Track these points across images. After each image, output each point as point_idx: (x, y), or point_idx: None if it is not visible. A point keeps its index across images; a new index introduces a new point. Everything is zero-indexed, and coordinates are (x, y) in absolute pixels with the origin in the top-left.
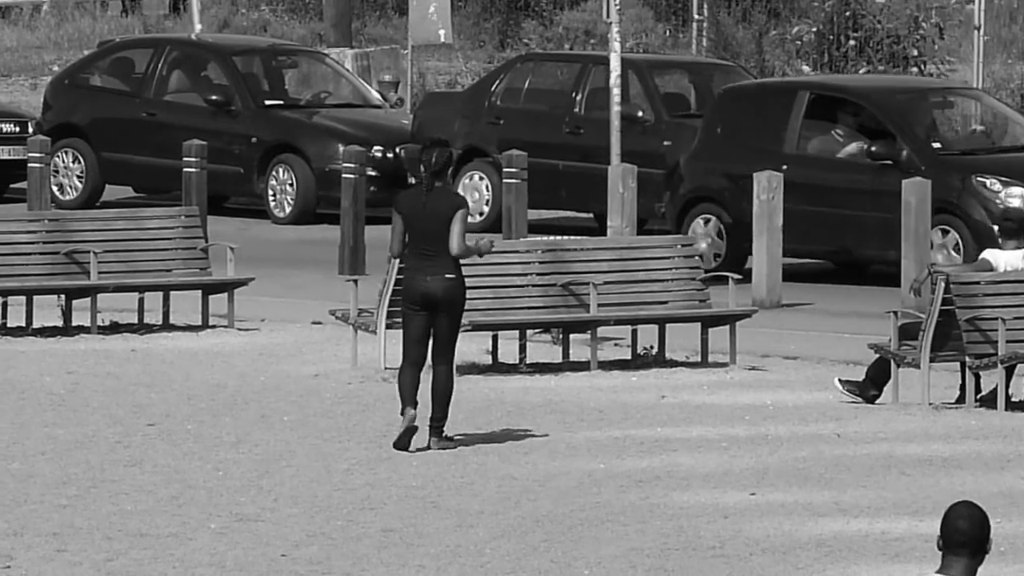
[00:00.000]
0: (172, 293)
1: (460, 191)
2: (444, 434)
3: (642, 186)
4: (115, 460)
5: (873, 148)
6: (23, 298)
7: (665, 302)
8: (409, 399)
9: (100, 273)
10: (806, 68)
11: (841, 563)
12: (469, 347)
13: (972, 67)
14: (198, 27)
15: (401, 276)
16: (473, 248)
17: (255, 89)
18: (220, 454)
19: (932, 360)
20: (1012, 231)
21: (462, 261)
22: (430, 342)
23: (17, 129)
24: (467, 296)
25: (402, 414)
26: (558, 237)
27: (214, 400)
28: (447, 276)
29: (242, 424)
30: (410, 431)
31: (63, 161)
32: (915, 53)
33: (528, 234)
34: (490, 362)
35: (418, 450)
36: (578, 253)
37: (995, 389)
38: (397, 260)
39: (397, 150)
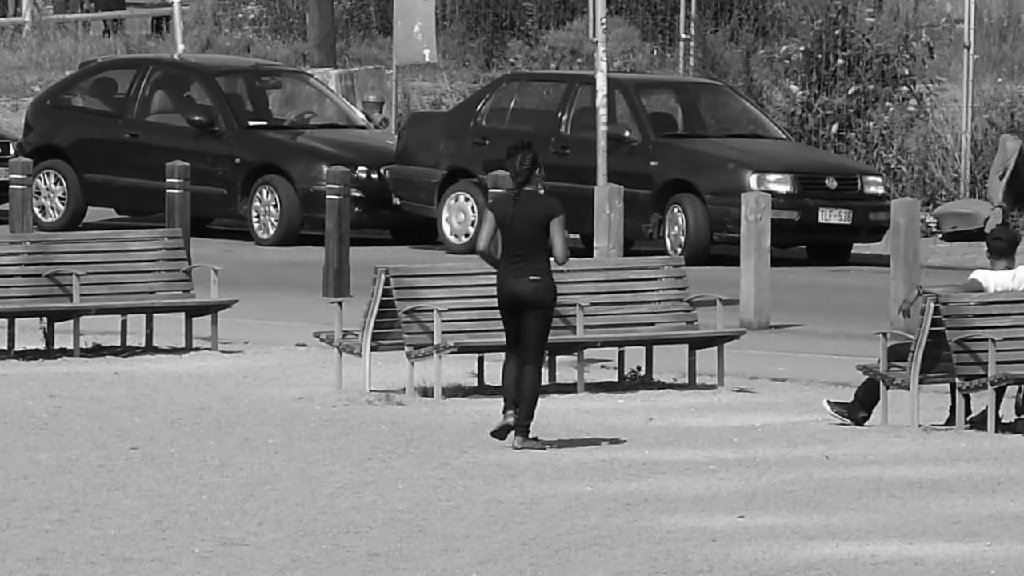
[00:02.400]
0: (155, 315)
1: (445, 212)
2: (529, 435)
3: (629, 207)
4: (98, 484)
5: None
6: (5, 321)
7: (652, 324)
8: (510, 402)
9: (83, 295)
10: (794, 87)
11: None
12: (455, 370)
13: (962, 86)
14: (181, 47)
15: (389, 298)
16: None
17: (239, 110)
18: (204, 478)
19: (921, 381)
20: (1002, 251)
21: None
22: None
23: None
24: (556, 297)
25: (503, 413)
26: None
27: (198, 423)
28: (532, 279)
29: (226, 447)
30: (507, 427)
31: (45, 183)
32: (905, 72)
33: None
34: (476, 384)
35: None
36: (564, 274)
37: (985, 411)
38: (383, 275)
39: (382, 171)
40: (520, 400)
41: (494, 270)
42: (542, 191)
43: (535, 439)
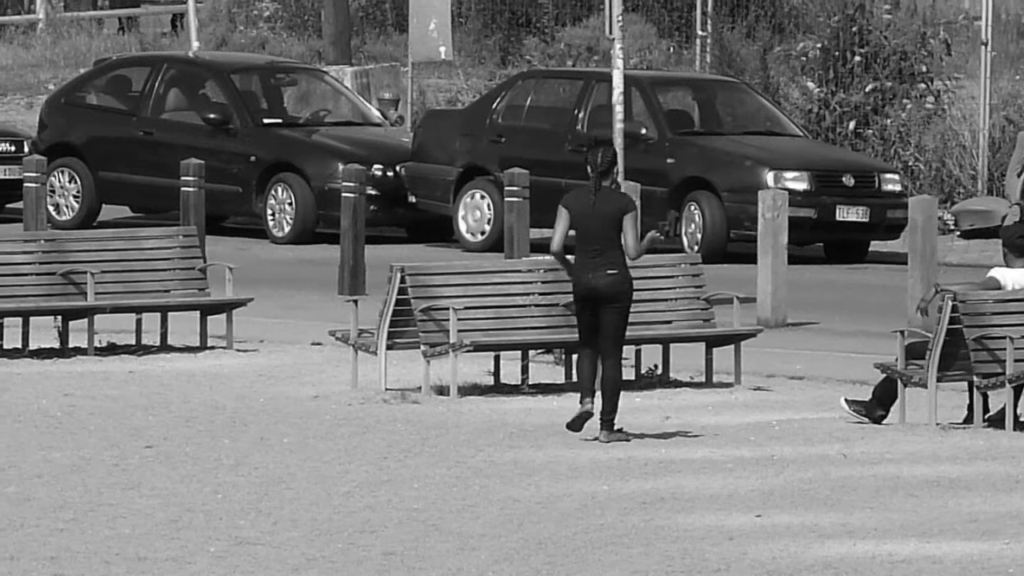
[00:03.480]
0: (170, 314)
1: (461, 210)
2: (615, 427)
3: (645, 204)
4: (112, 483)
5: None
6: (19, 319)
7: (669, 322)
8: (587, 391)
9: (97, 294)
10: (811, 84)
11: None
12: (471, 368)
13: (980, 83)
14: (196, 45)
15: (404, 296)
16: (646, 244)
17: (254, 107)
18: (219, 477)
19: (939, 380)
20: (1020, 248)
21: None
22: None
23: (12, 148)
24: (633, 290)
25: (580, 403)
26: None
27: (213, 422)
28: (609, 272)
29: (241, 446)
30: (583, 416)
31: (59, 181)
32: (922, 69)
33: (530, 253)
34: (492, 383)
35: (589, 439)
36: None
37: (1003, 409)
38: (398, 274)
39: (397, 168)
40: (603, 393)
41: (559, 268)
42: (615, 187)
43: (620, 431)
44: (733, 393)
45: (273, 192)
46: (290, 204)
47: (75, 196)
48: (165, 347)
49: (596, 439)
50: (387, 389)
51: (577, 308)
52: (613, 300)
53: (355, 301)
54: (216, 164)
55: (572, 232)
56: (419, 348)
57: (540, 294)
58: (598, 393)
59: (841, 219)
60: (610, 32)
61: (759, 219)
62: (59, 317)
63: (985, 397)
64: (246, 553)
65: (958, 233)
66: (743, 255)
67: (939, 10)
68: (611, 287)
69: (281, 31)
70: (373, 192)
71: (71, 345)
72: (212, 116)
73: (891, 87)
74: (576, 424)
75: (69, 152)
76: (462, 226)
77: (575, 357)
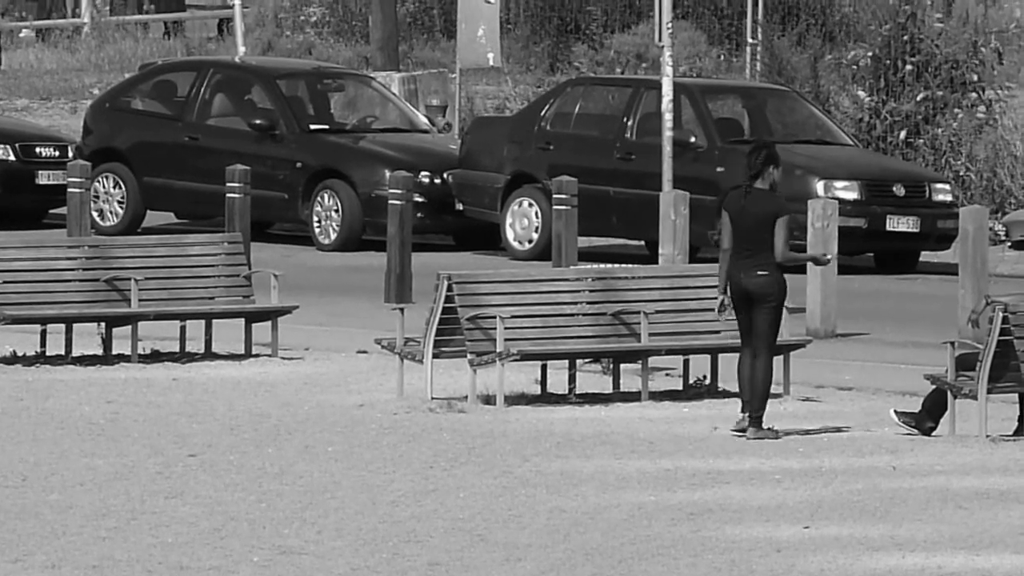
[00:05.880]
0: (215, 321)
1: (509, 217)
2: (763, 425)
3: (694, 213)
4: (155, 491)
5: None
6: (62, 326)
7: (718, 331)
8: (745, 402)
9: (141, 301)
10: (861, 93)
11: None
12: (517, 377)
13: None
14: (242, 50)
15: (451, 304)
16: (802, 256)
17: (300, 113)
18: (263, 485)
19: (990, 391)
20: None
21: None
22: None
23: (57, 153)
24: (786, 291)
25: (742, 411)
26: (609, 265)
27: (257, 430)
28: (759, 273)
29: (286, 455)
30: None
31: (104, 186)
32: (974, 78)
33: (578, 262)
34: (539, 392)
35: (738, 434)
36: (629, 281)
37: None
38: (445, 282)
39: (445, 175)
40: (752, 392)
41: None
42: (769, 189)
43: (769, 429)
44: (782, 404)
45: (319, 199)
46: (336, 211)
47: (119, 202)
48: (209, 354)
49: (744, 435)
50: (433, 398)
51: (734, 308)
52: (763, 300)
53: (401, 309)
54: (262, 170)
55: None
56: (466, 357)
57: (588, 303)
58: None
59: (891, 229)
60: (659, 39)
61: (809, 228)
62: (103, 324)
63: None
64: (290, 563)
65: (1009, 244)
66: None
67: (991, 19)
68: (761, 288)
69: (328, 36)
70: (420, 199)
71: (115, 352)
72: (258, 122)
73: (942, 96)
74: (739, 431)
75: (114, 157)
76: (509, 234)
77: (622, 367)
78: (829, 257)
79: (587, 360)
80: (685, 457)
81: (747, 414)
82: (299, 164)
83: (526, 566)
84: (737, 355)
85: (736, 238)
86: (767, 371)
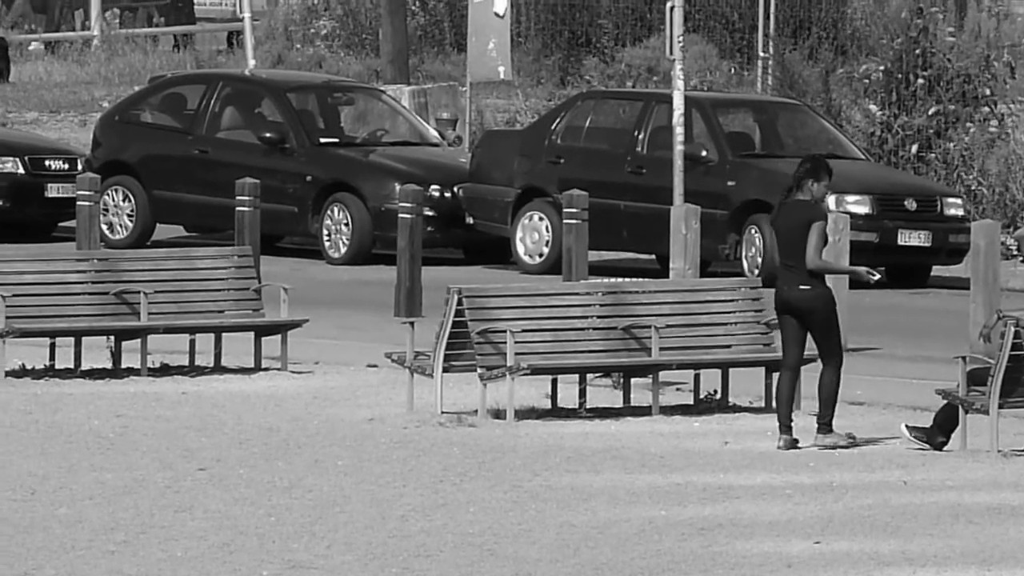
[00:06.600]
0: (224, 335)
1: (519, 231)
2: (831, 430)
3: (705, 227)
4: (165, 505)
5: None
6: (71, 339)
7: (728, 346)
8: (783, 423)
9: (150, 314)
10: (873, 107)
11: None
12: (528, 391)
13: None
14: (252, 62)
15: (461, 318)
16: (839, 268)
17: (310, 126)
18: (272, 499)
19: (1001, 406)
20: None
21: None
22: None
23: (66, 166)
24: (833, 302)
25: (780, 432)
26: (619, 279)
27: (266, 444)
28: (801, 287)
29: (295, 469)
30: (788, 442)
31: (113, 199)
32: (986, 92)
33: (588, 276)
34: (549, 407)
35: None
36: (640, 296)
37: None
38: (455, 296)
39: (455, 189)
40: (819, 398)
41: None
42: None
43: (848, 434)
44: (793, 418)
45: (329, 212)
46: (346, 224)
47: (129, 215)
48: (219, 368)
49: (814, 444)
50: (443, 412)
51: (778, 318)
52: (810, 314)
53: (411, 323)
54: (272, 183)
55: None
56: (476, 371)
57: (598, 317)
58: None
59: (903, 243)
60: (671, 53)
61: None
62: (112, 337)
63: None
64: None
65: (1021, 258)
66: None
67: (1003, 32)
68: (803, 302)
69: (338, 49)
70: (430, 213)
71: (124, 365)
72: (268, 135)
73: (954, 110)
74: (786, 447)
75: (123, 170)
76: (520, 248)
77: (633, 381)
78: (876, 275)
79: (597, 374)
80: (696, 472)
81: (785, 439)
82: (309, 177)
83: None
84: (751, 369)
85: (780, 251)
86: (831, 379)
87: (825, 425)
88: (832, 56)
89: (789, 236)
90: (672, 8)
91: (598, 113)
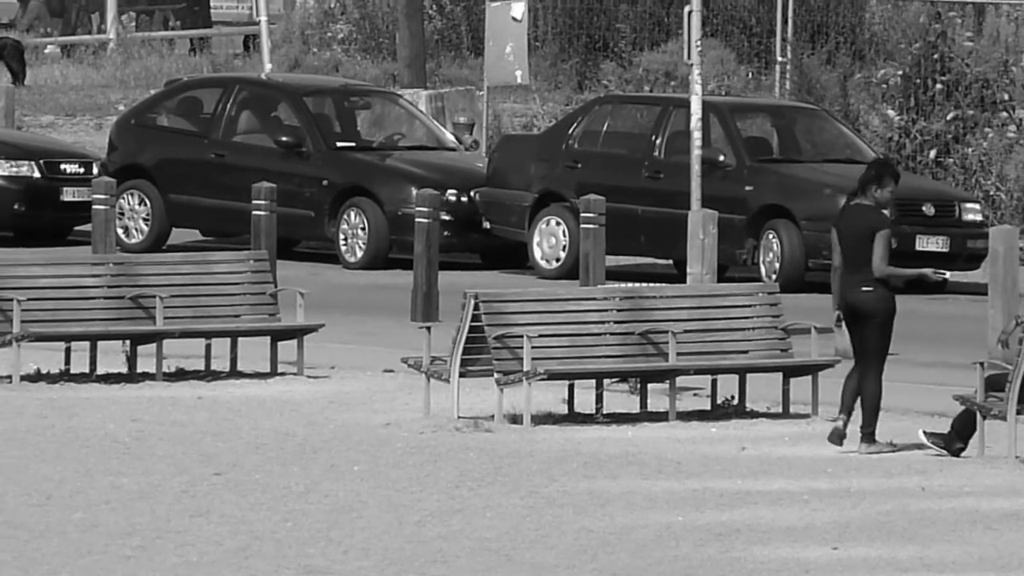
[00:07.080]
0: (240, 339)
1: (536, 236)
2: (874, 439)
3: (723, 232)
4: (181, 510)
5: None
6: (87, 344)
7: (746, 351)
8: (845, 406)
9: (166, 319)
10: (891, 112)
11: None
12: (545, 396)
13: None
14: (268, 66)
15: (478, 323)
16: (906, 273)
17: (327, 130)
18: (288, 504)
19: (1019, 412)
20: None
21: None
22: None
23: (82, 170)
24: (893, 308)
25: (839, 413)
26: (636, 284)
27: (283, 449)
28: (863, 289)
29: (311, 474)
30: (837, 434)
31: (129, 203)
32: (1005, 97)
33: (606, 281)
34: (566, 412)
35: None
36: (657, 301)
37: None
38: (472, 300)
39: (472, 194)
40: (862, 407)
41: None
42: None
43: (889, 443)
44: (810, 424)
45: (346, 216)
46: (363, 229)
47: (144, 219)
48: (235, 373)
49: (858, 452)
50: (460, 417)
51: (846, 324)
52: (869, 316)
53: (428, 328)
54: (288, 188)
55: None
56: (492, 376)
57: (615, 322)
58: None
59: (921, 249)
60: (688, 57)
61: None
62: (127, 342)
63: None
64: None
65: None
66: (821, 284)
67: (1021, 37)
68: (865, 304)
69: (355, 53)
70: (447, 217)
71: (139, 370)
72: (284, 139)
73: (972, 115)
74: (832, 439)
75: (139, 174)
76: (537, 253)
77: (650, 386)
78: (946, 275)
79: (614, 380)
80: (713, 477)
81: (837, 422)
82: (325, 182)
83: None
84: (768, 375)
85: (842, 255)
86: (874, 386)
87: (869, 435)
88: (850, 61)
89: (851, 243)
90: (690, 13)
91: (615, 118)
